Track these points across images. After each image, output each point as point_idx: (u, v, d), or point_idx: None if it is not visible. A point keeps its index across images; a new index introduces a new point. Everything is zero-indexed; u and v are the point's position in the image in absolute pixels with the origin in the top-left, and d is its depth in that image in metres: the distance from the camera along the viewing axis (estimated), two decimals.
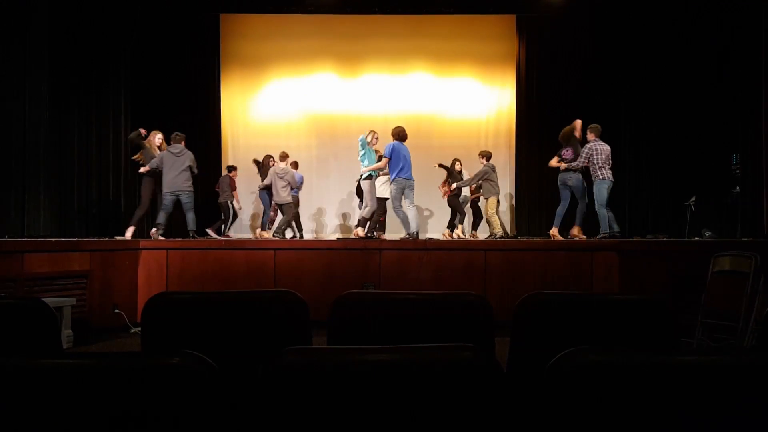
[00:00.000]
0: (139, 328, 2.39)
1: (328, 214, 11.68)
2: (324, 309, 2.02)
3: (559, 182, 7.90)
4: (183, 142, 7.89)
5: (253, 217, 11.45)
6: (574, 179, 7.71)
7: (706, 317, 4.91)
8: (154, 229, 7.90)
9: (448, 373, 1.17)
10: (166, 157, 7.76)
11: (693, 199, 8.69)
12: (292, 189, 9.34)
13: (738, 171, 8.45)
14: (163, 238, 7.45)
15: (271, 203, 9.89)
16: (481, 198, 9.73)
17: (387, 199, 8.11)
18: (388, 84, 11.67)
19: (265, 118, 11.78)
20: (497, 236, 8.81)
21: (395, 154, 7.50)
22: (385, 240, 7.98)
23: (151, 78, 10.40)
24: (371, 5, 10.79)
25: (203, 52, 11.29)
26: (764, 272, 4.58)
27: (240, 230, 11.28)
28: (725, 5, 8.67)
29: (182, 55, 10.98)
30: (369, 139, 8.15)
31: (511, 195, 11.44)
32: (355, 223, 8.99)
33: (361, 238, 7.74)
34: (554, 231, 7.85)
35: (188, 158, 7.79)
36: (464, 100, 11.68)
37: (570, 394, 1.14)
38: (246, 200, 11.21)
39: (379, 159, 8.03)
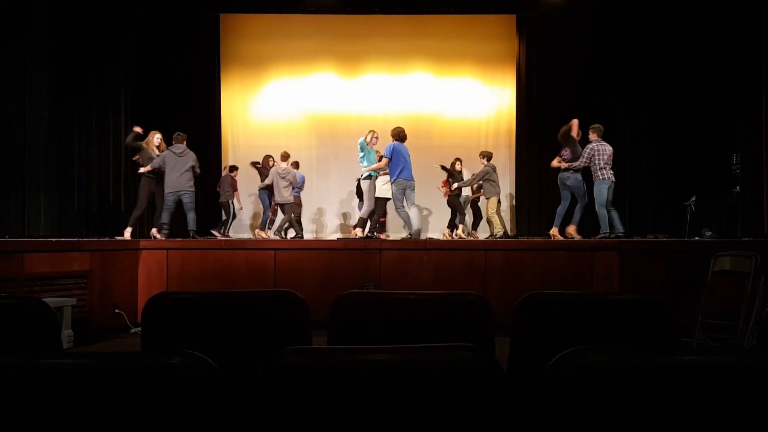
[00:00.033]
0: (140, 328, 2.39)
1: (328, 214, 11.68)
2: (324, 309, 2.02)
3: (558, 182, 7.91)
4: (185, 142, 7.89)
5: (254, 217, 11.45)
6: (573, 179, 7.71)
7: (707, 317, 4.91)
8: (154, 229, 7.89)
9: (448, 373, 1.17)
10: (169, 157, 7.74)
11: (693, 198, 8.69)
12: (293, 189, 9.36)
13: (738, 171, 8.45)
14: (163, 238, 7.44)
15: (270, 203, 9.90)
16: (482, 198, 9.74)
17: (388, 199, 8.12)
18: (388, 84, 11.67)
19: (265, 118, 11.78)
20: (497, 236, 8.81)
21: (395, 154, 7.50)
22: (385, 240, 7.98)
23: (151, 78, 10.40)
24: (371, 5, 10.79)
25: (203, 52, 11.30)
26: (764, 272, 4.58)
27: (240, 230, 11.29)
28: (725, 5, 8.67)
29: (182, 55, 10.98)
30: (369, 138, 8.16)
31: (511, 195, 11.44)
32: (356, 223, 9.00)
33: (361, 238, 7.74)
34: (554, 231, 7.85)
35: (191, 158, 7.78)
36: (464, 100, 11.68)
37: (570, 394, 1.14)
38: (246, 200, 11.22)
39: (380, 159, 8.04)
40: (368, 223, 8.42)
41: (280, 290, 2.06)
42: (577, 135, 7.91)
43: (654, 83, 10.16)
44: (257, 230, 10.32)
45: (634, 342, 1.93)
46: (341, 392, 1.16)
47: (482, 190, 9.41)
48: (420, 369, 1.18)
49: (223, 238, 9.15)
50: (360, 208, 9.38)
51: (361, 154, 8.11)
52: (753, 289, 4.53)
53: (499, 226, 9.01)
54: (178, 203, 7.79)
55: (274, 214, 10.13)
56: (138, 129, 8.11)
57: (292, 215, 9.37)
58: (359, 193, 9.54)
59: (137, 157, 8.14)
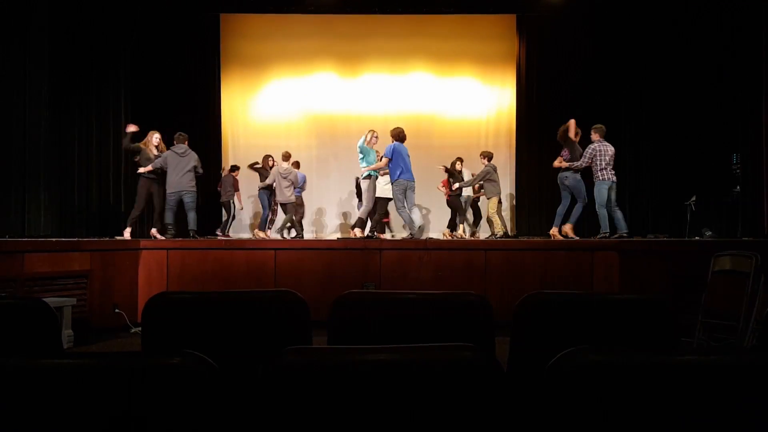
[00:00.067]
0: (140, 328, 2.39)
1: (328, 214, 11.68)
2: (324, 309, 2.02)
3: (558, 182, 7.91)
4: (186, 142, 7.88)
5: (254, 217, 11.45)
6: (571, 179, 7.72)
7: (707, 317, 4.91)
8: (154, 229, 7.89)
9: (448, 373, 1.17)
10: (170, 157, 7.73)
11: (693, 198, 8.69)
12: (295, 188, 9.38)
13: (738, 170, 8.46)
14: (164, 238, 7.44)
15: (269, 203, 9.90)
16: (482, 198, 9.75)
17: (390, 199, 8.13)
18: (388, 84, 11.67)
19: (265, 118, 11.78)
20: (498, 236, 8.81)
21: (396, 155, 7.51)
22: (386, 240, 7.99)
23: (151, 78, 10.39)
24: (371, 5, 10.79)
25: (203, 52, 11.29)
26: (765, 272, 4.58)
27: (240, 230, 11.30)
28: (725, 5, 8.67)
29: (182, 55, 10.98)
30: (368, 138, 8.16)
31: (511, 195, 11.44)
32: (353, 223, 9.01)
33: (361, 238, 7.75)
34: (554, 231, 7.85)
35: (193, 158, 7.78)
36: (464, 99, 11.68)
37: (570, 394, 1.14)
38: (245, 200, 11.22)
39: (380, 159, 8.04)
40: (368, 223, 8.43)
41: (280, 290, 2.06)
42: (575, 135, 7.89)
43: (654, 83, 10.16)
44: (256, 230, 10.32)
45: (634, 342, 1.92)
46: (341, 392, 1.16)
47: (483, 190, 9.41)
48: (420, 369, 1.18)
49: (223, 238, 9.16)
50: (359, 208, 9.38)
51: (361, 156, 8.13)
52: (753, 289, 4.53)
53: (500, 225, 9.01)
54: (179, 203, 7.78)
55: (274, 213, 10.13)
56: (132, 128, 8.00)
57: (293, 217, 9.38)
58: (359, 193, 9.54)
59: (137, 158, 8.13)
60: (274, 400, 1.15)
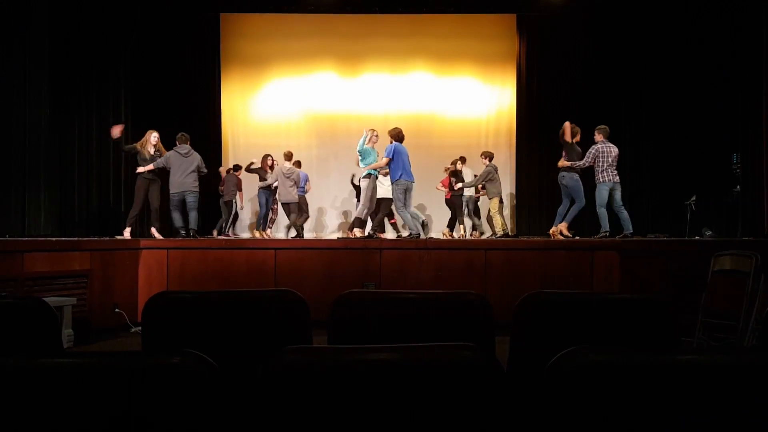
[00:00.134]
0: (140, 328, 2.39)
1: (328, 213, 11.69)
2: (324, 308, 2.02)
3: (558, 182, 7.92)
4: (188, 143, 7.88)
5: (254, 216, 11.45)
6: (568, 178, 7.72)
7: (707, 317, 4.91)
8: (154, 228, 7.89)
9: (448, 372, 1.17)
10: (173, 157, 7.71)
11: (693, 198, 8.68)
12: (297, 188, 9.39)
13: (738, 170, 8.45)
14: (162, 237, 7.44)
15: (267, 202, 9.89)
16: (481, 197, 9.75)
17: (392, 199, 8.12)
18: (388, 84, 11.67)
19: (265, 118, 11.78)
20: (498, 236, 8.81)
21: (396, 155, 7.51)
22: (386, 240, 7.98)
23: (151, 78, 10.39)
24: (371, 5, 10.79)
25: (203, 52, 11.29)
26: (765, 271, 4.57)
27: (240, 230, 11.30)
28: (726, 5, 8.67)
29: (182, 55, 10.98)
30: (369, 137, 8.16)
31: (511, 195, 11.44)
32: (351, 223, 9.02)
33: (361, 237, 7.75)
34: (554, 230, 7.85)
35: (196, 159, 7.79)
36: (464, 99, 11.68)
37: (570, 394, 1.14)
38: (245, 200, 11.22)
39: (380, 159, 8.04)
40: (368, 222, 8.42)
41: (280, 290, 2.06)
42: (572, 137, 7.85)
43: (654, 83, 10.16)
44: (255, 230, 10.32)
45: (634, 342, 1.92)
46: (341, 392, 1.16)
47: (484, 190, 9.41)
48: (420, 368, 1.18)
49: (224, 238, 9.16)
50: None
51: (361, 158, 8.15)
52: (753, 289, 4.53)
53: (501, 225, 9.01)
54: (182, 202, 7.78)
55: (275, 213, 10.13)
56: (117, 131, 7.77)
57: (297, 223, 9.38)
58: (359, 193, 9.54)
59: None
60: (274, 399, 1.15)
